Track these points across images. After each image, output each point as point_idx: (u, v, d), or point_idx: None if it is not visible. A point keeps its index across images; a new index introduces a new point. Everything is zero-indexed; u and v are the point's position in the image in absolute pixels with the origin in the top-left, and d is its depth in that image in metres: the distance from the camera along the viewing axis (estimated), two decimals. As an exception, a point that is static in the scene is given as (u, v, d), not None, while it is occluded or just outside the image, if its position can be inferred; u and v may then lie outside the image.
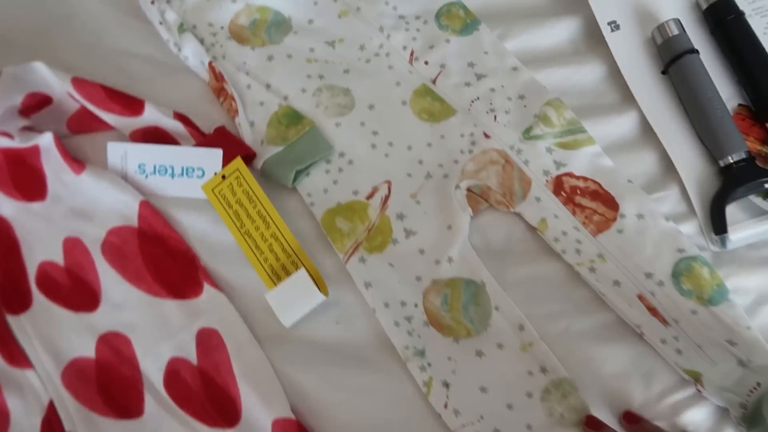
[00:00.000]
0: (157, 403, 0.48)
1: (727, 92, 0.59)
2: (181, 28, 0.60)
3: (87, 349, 0.49)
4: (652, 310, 0.51)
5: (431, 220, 0.55)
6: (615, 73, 0.62)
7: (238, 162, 0.53)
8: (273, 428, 0.47)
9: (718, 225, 0.54)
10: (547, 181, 0.56)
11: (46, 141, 0.53)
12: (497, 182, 0.56)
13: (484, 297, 0.51)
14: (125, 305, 0.51)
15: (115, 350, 0.49)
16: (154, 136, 0.56)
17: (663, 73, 0.60)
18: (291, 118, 0.57)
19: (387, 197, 0.56)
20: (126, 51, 0.61)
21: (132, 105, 0.55)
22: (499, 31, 0.64)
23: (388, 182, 0.56)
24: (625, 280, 0.52)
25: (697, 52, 0.59)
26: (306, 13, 0.64)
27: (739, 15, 0.59)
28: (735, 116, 0.58)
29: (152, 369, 0.49)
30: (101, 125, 0.56)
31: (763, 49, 0.58)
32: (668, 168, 0.58)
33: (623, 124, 0.60)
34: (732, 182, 0.55)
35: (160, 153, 0.54)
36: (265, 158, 0.56)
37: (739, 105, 0.59)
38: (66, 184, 0.53)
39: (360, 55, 0.62)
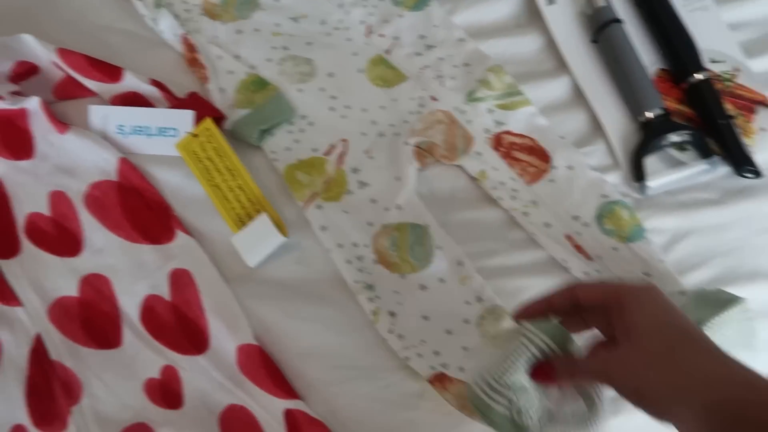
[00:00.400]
0: (134, 334, 0.54)
1: (649, 58, 0.66)
2: (157, 3, 0.66)
3: (71, 289, 0.55)
4: (578, 248, 0.58)
5: (382, 173, 0.61)
6: (551, 43, 0.68)
7: (208, 122, 0.59)
8: (237, 353, 0.53)
9: (637, 173, 0.61)
10: (487, 138, 0.63)
11: (33, 104, 0.59)
12: (442, 139, 0.62)
13: (427, 238, 0.58)
14: (105, 250, 0.56)
15: (96, 289, 0.55)
16: (133, 100, 0.62)
17: (593, 41, 0.67)
18: (258, 84, 0.64)
19: (343, 153, 0.62)
20: (106, 26, 0.67)
21: (112, 72, 0.61)
22: (449, 7, 0.70)
23: (345, 140, 0.62)
24: (554, 223, 0.59)
25: (621, 21, 0.65)
26: (272, -8, 0.70)
27: (659, -11, 0.66)
28: (656, 79, 0.65)
29: (130, 305, 0.55)
30: (84, 92, 0.62)
31: (679, 20, 0.65)
32: (596, 126, 0.64)
33: (557, 89, 0.66)
34: (650, 135, 0.61)
35: (137, 114, 0.60)
36: (233, 119, 0.62)
37: (660, 69, 0.66)
38: (51, 143, 0.59)
39: (321, 29, 0.68)
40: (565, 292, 0.45)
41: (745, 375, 0.36)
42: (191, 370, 0.52)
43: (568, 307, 0.44)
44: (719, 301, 0.48)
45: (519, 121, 0.63)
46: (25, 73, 0.61)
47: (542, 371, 0.44)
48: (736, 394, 0.34)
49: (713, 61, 0.66)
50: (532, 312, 0.46)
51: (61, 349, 0.53)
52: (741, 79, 0.65)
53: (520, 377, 0.43)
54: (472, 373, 0.48)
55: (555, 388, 0.45)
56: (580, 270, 0.57)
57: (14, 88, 0.60)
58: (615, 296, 0.41)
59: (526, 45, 0.69)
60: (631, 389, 0.38)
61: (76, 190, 0.58)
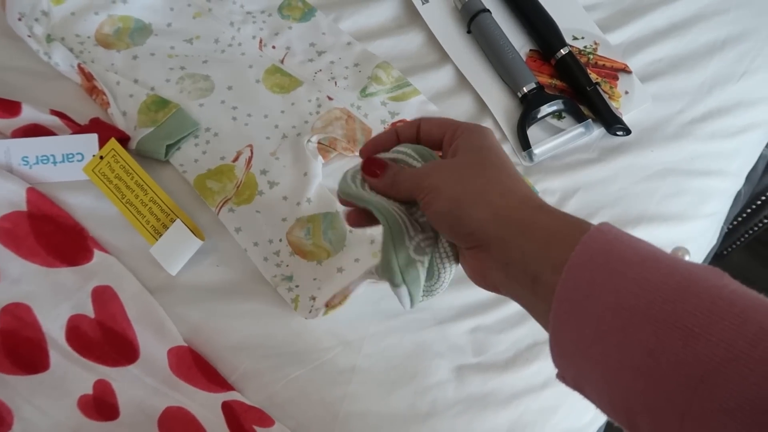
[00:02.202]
0: (61, 355, 0.54)
1: (520, 41, 0.73)
2: (49, 38, 0.67)
3: (-9, 320, 0.55)
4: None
5: (290, 171, 0.64)
6: (431, 39, 0.74)
7: (112, 142, 0.61)
8: (168, 356, 0.54)
9: (523, 143, 0.67)
10: (384, 127, 0.67)
11: (-70, 147, 0.59)
12: (342, 133, 0.66)
13: (339, 223, 0.61)
14: (22, 279, 0.57)
15: (17, 318, 0.55)
16: (34, 132, 0.62)
17: (468, 32, 0.73)
18: (158, 104, 0.66)
19: (250, 158, 0.65)
20: (0, 65, 0.67)
21: (9, 107, 0.62)
22: (334, 15, 0.75)
23: (250, 146, 0.65)
24: (455, 196, 0.64)
25: (488, 11, 0.72)
26: (164, 19, 0.73)
27: (518, -20, 0.74)
28: (528, 59, 0.72)
29: (54, 328, 0.55)
30: (-18, 130, 0.63)
31: (539, 6, 0.73)
32: (481, 107, 0.70)
33: (442, 78, 0.72)
34: (528, 107, 0.67)
35: (40, 144, 0.61)
36: (138, 138, 0.63)
37: (531, 50, 0.73)
38: (-46, 182, 0.59)
39: (215, 47, 0.72)
40: (412, 123, 0.47)
41: (526, 194, 0.40)
42: (124, 381, 0.53)
43: (414, 139, 0.47)
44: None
45: (412, 109, 0.69)
46: None
47: (373, 165, 0.44)
48: (515, 209, 0.38)
49: (575, 38, 0.73)
50: (381, 142, 0.48)
51: (-14, 379, 0.52)
52: (601, 51, 0.73)
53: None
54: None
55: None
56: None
57: None
58: (452, 127, 0.44)
59: (409, 42, 0.74)
60: (435, 192, 0.40)
61: (-15, 225, 0.58)
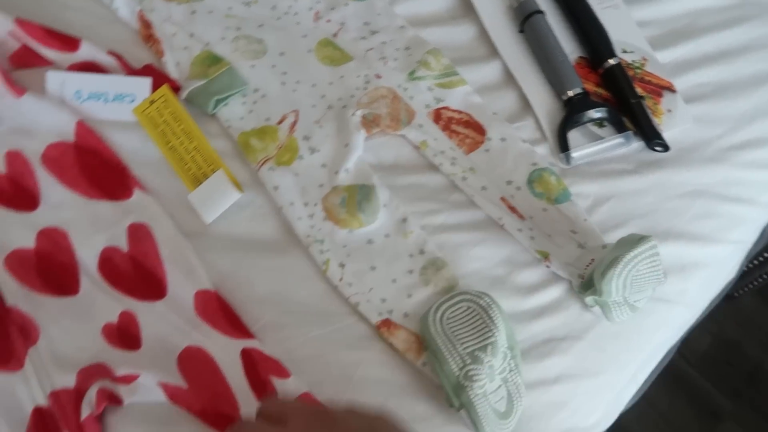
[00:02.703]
0: (91, 283, 0.55)
1: (570, 47, 0.74)
2: (113, -18, 0.69)
3: (27, 241, 0.56)
4: (512, 209, 0.64)
5: (332, 140, 0.65)
6: (483, 33, 0.75)
7: (165, 88, 0.62)
8: (195, 298, 0.55)
9: (562, 145, 0.68)
10: (428, 112, 0.68)
11: (-11, 69, 0.60)
12: (386, 111, 0.67)
13: (374, 196, 0.62)
14: (63, 205, 0.58)
15: (53, 242, 0.56)
16: (90, 69, 0.64)
17: (519, 32, 0.74)
18: (211, 59, 0.67)
19: (294, 123, 0.66)
20: (63, 3, 0.69)
21: (69, 42, 0.63)
22: (390, -1, 0.76)
23: (296, 111, 0.66)
24: (490, 186, 0.65)
25: (543, 12, 0.73)
26: (226, -21, 0.75)
27: (577, -14, 0.75)
28: (576, 65, 0.73)
29: (87, 256, 0.56)
30: (41, 61, 0.64)
31: (593, 14, 0.74)
32: (524, 105, 0.71)
33: (489, 72, 0.73)
34: (572, 111, 0.68)
35: (95, 81, 0.62)
36: (189, 89, 0.65)
37: (580, 57, 0.74)
38: (8, 106, 0.61)
39: (272, 13, 0.73)
40: None
41: None
42: (149, 315, 0.54)
43: None
44: (633, 241, 0.55)
45: (456, 99, 0.70)
46: (-18, 41, 0.63)
47: None
48: None
49: (624, 51, 0.74)
50: None
51: (18, 295, 0.54)
52: (649, 68, 0.74)
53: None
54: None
55: None
56: (513, 227, 0.63)
57: (-29, 54, 0.62)
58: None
59: (460, 34, 0.75)
60: None
61: (33, 150, 0.59)
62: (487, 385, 0.52)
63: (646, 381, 0.66)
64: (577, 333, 0.59)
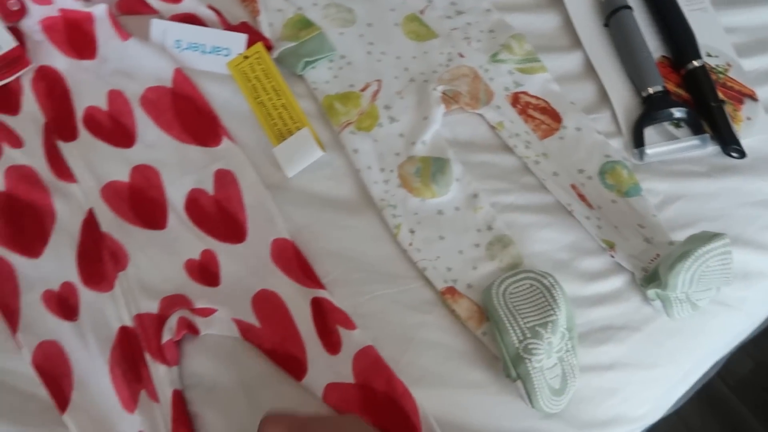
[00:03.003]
0: (178, 220, 0.59)
1: (653, 45, 0.74)
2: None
3: (122, 175, 0.60)
4: (581, 197, 0.65)
5: (411, 112, 0.67)
6: (567, 24, 0.76)
7: (259, 46, 0.65)
8: (272, 245, 0.58)
9: (637, 140, 0.68)
10: (506, 95, 0.70)
11: (99, 11, 0.64)
12: (467, 90, 0.69)
13: (448, 169, 0.64)
14: (156, 146, 0.61)
15: (145, 178, 0.60)
16: (190, 21, 0.67)
17: (605, 26, 0.75)
18: (303, 23, 0.70)
19: (377, 91, 0.68)
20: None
21: (174, -7, 0.67)
22: (479, -18, 0.77)
23: (379, 81, 0.69)
24: (562, 173, 0.66)
25: (631, 8, 0.73)
26: (321, -50, 0.77)
27: (667, -15, 0.75)
28: (658, 64, 0.73)
29: (176, 195, 0.59)
30: (146, 9, 0.68)
31: (682, 14, 0.74)
32: (602, 98, 0.72)
33: (571, 62, 0.74)
34: (651, 108, 0.69)
35: (195, 32, 0.65)
36: (280, 49, 0.68)
37: (662, 56, 0.74)
38: (114, 48, 0.64)
39: (363, -15, 0.75)
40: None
41: None
42: (228, 256, 0.57)
43: None
44: (705, 237, 0.55)
45: (535, 85, 0.71)
46: (95, -16, 0.66)
47: None
48: None
49: (709, 55, 0.74)
50: None
51: (111, 223, 0.57)
52: (732, 74, 0.73)
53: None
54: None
55: None
56: (582, 214, 0.64)
57: (84, -4, 0.65)
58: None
59: (545, 22, 0.76)
60: None
61: (133, 92, 0.63)
62: (544, 361, 0.54)
63: (685, 394, 0.67)
64: (636, 324, 0.60)
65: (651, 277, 0.60)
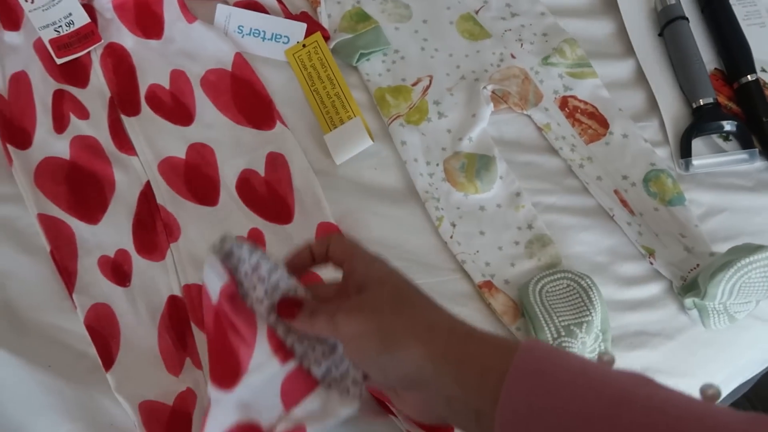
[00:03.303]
0: (229, 198, 0.61)
1: (707, 57, 0.74)
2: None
3: (179, 151, 0.62)
4: (623, 202, 0.65)
5: (460, 108, 0.68)
6: (621, 31, 0.76)
7: (317, 35, 0.67)
8: (317, 228, 0.60)
9: (684, 150, 0.68)
10: (555, 98, 0.70)
11: (169, -6, 0.67)
12: (516, 90, 0.70)
13: (493, 167, 0.65)
14: (213, 126, 0.64)
15: (201, 155, 0.62)
16: (253, 7, 0.69)
17: (659, 35, 0.75)
18: (361, 16, 0.72)
19: (428, 87, 0.69)
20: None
21: (240, -20, 0.69)
22: (534, -14, 0.78)
23: (431, 76, 0.70)
24: (605, 177, 0.66)
25: (687, 19, 0.73)
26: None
27: (725, -1, 0.75)
28: (711, 76, 0.73)
29: (228, 174, 0.62)
30: (212, -6, 0.71)
31: (739, 28, 0.73)
32: (651, 107, 0.72)
33: (621, 70, 0.74)
34: (700, 119, 0.69)
35: (256, 19, 0.68)
36: (337, 40, 0.69)
37: (715, 69, 0.74)
38: (180, 30, 0.67)
39: (421, -18, 0.77)
40: (322, 242, 0.45)
41: (451, 322, 0.39)
42: (275, 236, 0.59)
43: (324, 257, 0.44)
44: (749, 248, 0.55)
45: (585, 89, 0.71)
46: (166, -32, 0.69)
47: (288, 307, 0.43)
48: (445, 343, 0.37)
49: (763, 70, 0.73)
50: (299, 260, 0.45)
51: (166, 196, 0.60)
52: (786, 90, 0.73)
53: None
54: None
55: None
56: (623, 219, 0.64)
57: (156, -23, 0.68)
58: (352, 257, 0.42)
59: (599, 29, 0.77)
60: (356, 334, 0.38)
61: (195, 73, 0.66)
62: None
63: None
64: (670, 332, 0.60)
65: (689, 285, 0.60)
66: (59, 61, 0.64)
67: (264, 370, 0.41)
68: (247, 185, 0.61)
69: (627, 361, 0.59)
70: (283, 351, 0.41)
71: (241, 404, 0.42)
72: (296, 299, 0.42)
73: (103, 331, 0.55)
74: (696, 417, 0.30)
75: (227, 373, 0.41)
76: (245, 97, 0.65)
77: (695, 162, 0.68)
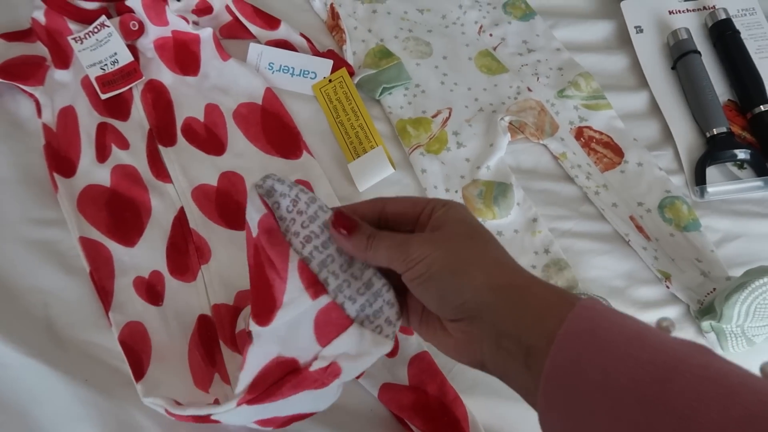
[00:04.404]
0: (257, 223, 0.64)
1: (720, 89, 0.76)
2: (313, -21, 0.79)
3: (212, 179, 0.66)
4: (639, 228, 0.67)
5: (478, 139, 0.71)
6: (635, 66, 0.79)
7: (342, 71, 0.71)
8: (341, 251, 0.62)
9: (699, 178, 0.70)
10: (571, 128, 0.73)
11: (206, 34, 0.72)
12: (533, 121, 0.72)
13: (510, 193, 0.67)
14: (244, 155, 0.68)
15: (231, 183, 0.66)
16: (283, 46, 0.74)
17: (672, 68, 0.77)
18: (384, 53, 0.76)
19: (447, 118, 0.73)
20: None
21: (271, 21, 0.74)
22: (550, 23, 0.82)
23: (450, 109, 0.73)
24: (621, 204, 0.68)
25: (699, 53, 0.76)
26: (403, -11, 0.83)
27: (736, 32, 0.77)
28: (724, 107, 0.75)
29: (257, 200, 0.65)
30: (246, 34, 0.75)
31: (750, 60, 0.75)
32: (666, 136, 0.74)
33: (636, 102, 0.76)
34: (714, 147, 0.70)
35: (286, 56, 0.72)
36: (361, 75, 0.74)
37: (729, 100, 0.76)
38: (215, 66, 0.72)
39: (441, 21, 0.81)
40: (373, 202, 0.44)
41: (519, 267, 0.39)
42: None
43: (375, 218, 0.43)
44: (763, 270, 0.56)
45: (600, 120, 0.74)
46: (204, 10, 0.74)
47: (344, 221, 0.41)
48: (509, 278, 0.37)
49: (776, 101, 0.75)
50: (349, 208, 0.44)
51: (198, 221, 0.63)
52: (799, 120, 0.74)
53: None
54: None
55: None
56: (639, 244, 0.65)
57: (195, 18, 0.73)
58: (429, 203, 0.42)
59: (613, 63, 0.80)
60: (426, 262, 0.38)
61: (227, 106, 0.70)
62: None
63: None
64: (688, 355, 0.61)
65: (706, 309, 0.61)
66: (104, 97, 0.68)
67: (297, 306, 0.40)
68: (274, 210, 0.65)
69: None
70: (315, 287, 0.40)
71: (279, 340, 0.41)
72: (353, 219, 0.41)
73: (135, 346, 0.58)
74: (751, 391, 0.28)
75: (265, 307, 0.41)
76: (274, 128, 0.69)
77: (710, 189, 0.69)
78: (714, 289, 0.62)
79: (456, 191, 0.68)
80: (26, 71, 0.68)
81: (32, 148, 0.67)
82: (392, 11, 0.81)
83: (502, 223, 0.66)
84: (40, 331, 0.58)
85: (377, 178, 0.66)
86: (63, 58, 0.70)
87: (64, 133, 0.67)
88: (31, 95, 0.68)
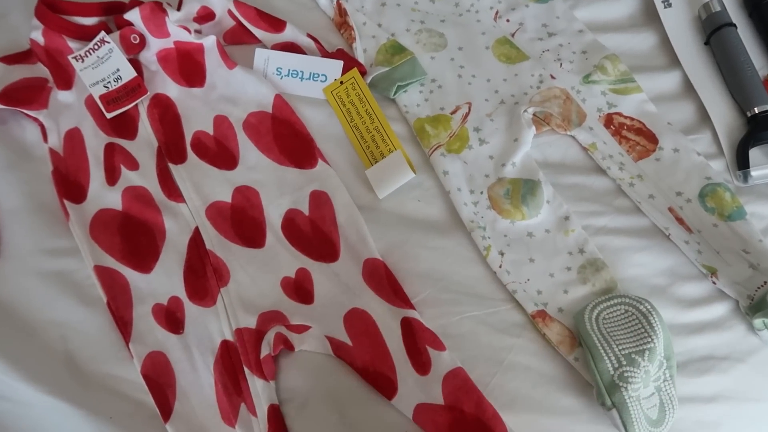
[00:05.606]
0: (275, 239, 0.61)
1: (759, 63, 0.71)
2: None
3: (225, 196, 0.63)
4: (679, 220, 0.62)
5: (501, 134, 0.67)
6: (665, 43, 0.74)
7: (354, 72, 0.68)
8: (364, 265, 0.59)
9: (741, 162, 0.65)
10: (599, 116, 0.68)
11: (209, 42, 0.69)
12: (558, 111, 0.68)
13: (539, 191, 0.63)
14: (257, 168, 0.65)
15: (246, 198, 0.63)
16: (290, 49, 0.71)
17: (705, 44, 0.72)
18: (396, 48, 0.72)
19: (467, 114, 0.69)
20: (271, -9, 0.77)
21: (276, 24, 0.71)
22: (571, 3, 0.77)
23: (469, 103, 0.69)
24: (658, 195, 0.64)
25: (734, 25, 0.70)
26: (413, -23, 0.79)
27: (774, 0, 0.71)
28: (765, 82, 0.70)
29: (274, 215, 0.63)
30: (250, 39, 0.72)
31: (792, 28, 0.70)
32: (702, 118, 0.69)
33: (668, 82, 0.71)
34: (756, 128, 0.66)
35: (294, 60, 0.69)
36: (374, 74, 0.70)
37: (769, 74, 0.71)
38: (221, 76, 0.69)
39: (454, 10, 0.77)
40: None
41: None
42: (322, 275, 0.59)
43: None
44: None
45: (630, 105, 0.69)
46: (206, 17, 0.71)
47: None
48: None
49: (822, 72, 0.70)
50: None
51: (215, 241, 0.61)
52: None
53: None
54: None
55: None
56: (680, 238, 0.61)
57: (197, 27, 0.70)
58: None
59: (641, 41, 0.75)
60: None
61: (237, 117, 0.67)
62: (641, 390, 0.52)
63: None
64: (740, 355, 0.57)
65: (758, 305, 0.57)
66: (109, 116, 0.66)
67: None
68: (292, 225, 0.62)
69: (695, 387, 0.56)
70: None
71: None
72: None
73: (159, 379, 0.56)
74: None
75: None
76: (286, 137, 0.66)
77: (754, 173, 0.65)
78: (765, 282, 0.58)
79: (481, 192, 0.64)
80: (29, 95, 0.66)
81: (40, 175, 0.65)
82: (402, 2, 0.77)
83: (531, 223, 0.63)
84: (61, 367, 0.57)
85: (397, 184, 0.63)
86: (65, 78, 0.68)
87: (72, 156, 0.65)
88: (36, 119, 0.66)
